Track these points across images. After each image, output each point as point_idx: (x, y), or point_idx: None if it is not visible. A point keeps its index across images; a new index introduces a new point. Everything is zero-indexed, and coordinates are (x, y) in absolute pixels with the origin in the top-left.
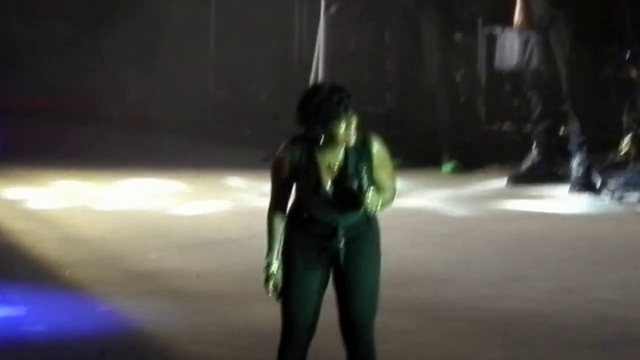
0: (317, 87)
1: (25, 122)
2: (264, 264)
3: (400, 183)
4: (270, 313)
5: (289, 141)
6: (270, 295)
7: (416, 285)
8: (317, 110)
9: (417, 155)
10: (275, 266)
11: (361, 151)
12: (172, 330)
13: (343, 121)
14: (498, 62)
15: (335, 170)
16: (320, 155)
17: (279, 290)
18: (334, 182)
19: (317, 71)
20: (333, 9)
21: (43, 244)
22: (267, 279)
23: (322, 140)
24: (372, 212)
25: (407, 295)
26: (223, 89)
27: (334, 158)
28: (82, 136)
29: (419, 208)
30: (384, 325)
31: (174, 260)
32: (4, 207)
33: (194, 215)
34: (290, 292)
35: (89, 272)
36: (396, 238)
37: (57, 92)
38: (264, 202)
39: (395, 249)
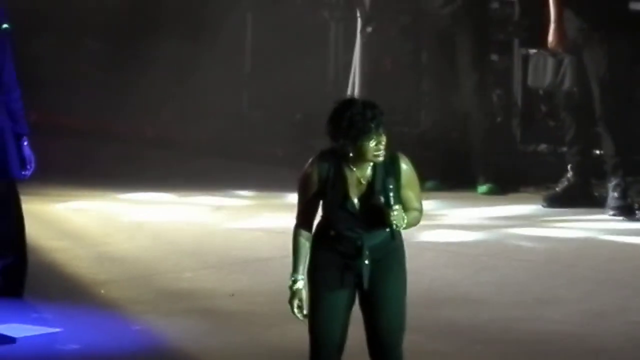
0: (350, 101)
1: (59, 140)
2: (288, 282)
3: (434, 204)
4: (304, 333)
5: (317, 156)
6: (296, 312)
7: (449, 306)
8: (349, 124)
9: (452, 176)
10: (300, 283)
11: (389, 168)
12: (205, 350)
13: (374, 137)
14: (531, 81)
15: (362, 186)
16: (349, 170)
17: (303, 307)
18: (360, 198)
19: (353, 91)
20: (369, 29)
21: (77, 262)
22: (293, 296)
23: (351, 155)
24: (397, 229)
25: (439, 317)
26: (258, 109)
27: (362, 174)
28: (116, 154)
29: (453, 229)
30: (416, 346)
31: (208, 279)
32: (38, 225)
33: (228, 233)
34: (316, 311)
35: (123, 291)
36: (429, 259)
37: (90, 110)
38: None
39: (427, 270)
